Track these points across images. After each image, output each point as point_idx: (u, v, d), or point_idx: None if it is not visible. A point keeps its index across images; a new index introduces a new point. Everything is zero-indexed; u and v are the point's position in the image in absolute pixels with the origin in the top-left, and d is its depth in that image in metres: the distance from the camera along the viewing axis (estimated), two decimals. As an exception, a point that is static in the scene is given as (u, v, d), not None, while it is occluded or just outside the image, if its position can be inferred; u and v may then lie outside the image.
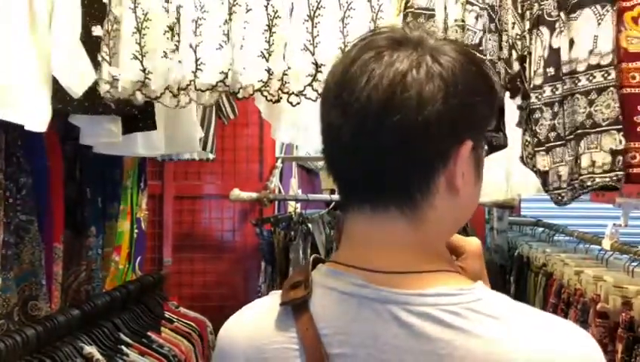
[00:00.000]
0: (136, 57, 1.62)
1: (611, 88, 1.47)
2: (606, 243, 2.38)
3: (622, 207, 2.59)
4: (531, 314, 0.77)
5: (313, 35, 1.59)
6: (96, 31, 1.67)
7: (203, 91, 1.65)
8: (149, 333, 2.44)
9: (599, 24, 1.49)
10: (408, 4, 1.58)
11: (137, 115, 1.88)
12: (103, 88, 1.65)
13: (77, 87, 1.56)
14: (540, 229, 3.53)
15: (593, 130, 1.47)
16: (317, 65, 1.59)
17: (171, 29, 1.63)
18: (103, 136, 1.86)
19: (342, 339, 0.77)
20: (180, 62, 1.61)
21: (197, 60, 1.60)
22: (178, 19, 1.62)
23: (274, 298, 0.84)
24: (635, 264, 2.16)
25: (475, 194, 0.84)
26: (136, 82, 1.64)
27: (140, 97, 1.66)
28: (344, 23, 1.60)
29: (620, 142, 1.45)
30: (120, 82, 1.63)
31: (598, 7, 1.50)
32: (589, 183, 1.48)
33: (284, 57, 1.60)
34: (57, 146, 2.12)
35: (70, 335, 2.01)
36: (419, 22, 1.54)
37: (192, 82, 1.61)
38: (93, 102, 1.70)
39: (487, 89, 0.81)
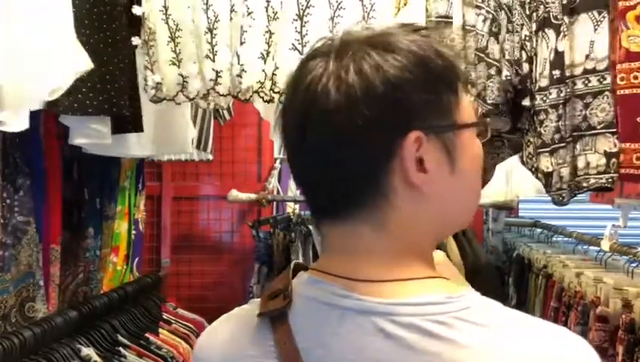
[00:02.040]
0: (173, 63, 1.76)
1: (607, 92, 1.51)
2: (605, 245, 2.38)
3: (621, 207, 2.59)
4: (523, 321, 0.74)
5: (302, 34, 1.60)
6: (135, 41, 1.81)
7: (222, 96, 1.74)
8: (147, 335, 2.43)
9: (596, 30, 1.53)
10: (428, 13, 1.60)
11: (127, 117, 1.87)
12: (150, 93, 1.78)
13: (54, 89, 1.55)
14: (539, 230, 3.53)
15: (588, 133, 1.52)
16: None
17: (196, 37, 1.75)
18: (91, 136, 1.85)
19: (321, 353, 0.73)
20: (199, 72, 1.74)
21: (215, 68, 1.71)
22: (210, 28, 1.74)
23: (253, 307, 0.80)
24: (634, 265, 2.16)
25: (457, 187, 0.77)
26: (177, 85, 1.77)
27: (182, 99, 1.79)
28: (334, 22, 1.60)
29: (615, 144, 1.50)
30: (164, 86, 1.77)
31: (595, 13, 1.53)
32: (584, 184, 1.53)
33: (272, 57, 1.62)
34: (55, 147, 2.12)
35: (68, 337, 2.00)
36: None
37: (212, 89, 1.73)
38: (81, 102, 1.69)
39: (423, 74, 0.74)
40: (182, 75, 1.75)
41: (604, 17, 1.53)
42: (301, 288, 0.77)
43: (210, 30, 1.69)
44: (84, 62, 1.60)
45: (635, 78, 1.46)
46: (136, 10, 1.79)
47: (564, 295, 2.35)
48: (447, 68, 0.76)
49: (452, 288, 0.75)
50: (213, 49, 1.69)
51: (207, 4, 1.70)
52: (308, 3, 1.61)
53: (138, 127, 1.97)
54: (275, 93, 1.66)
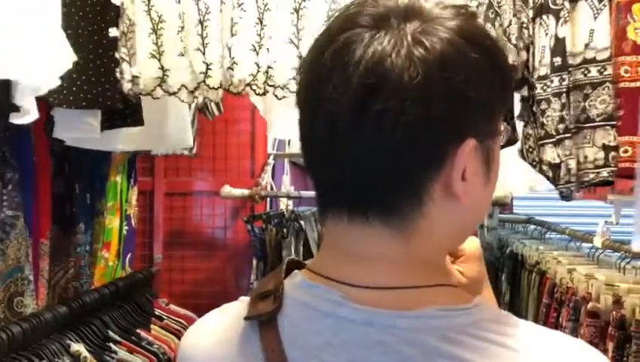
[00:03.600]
0: (154, 56, 1.73)
1: (607, 84, 1.45)
2: (597, 241, 2.38)
3: (613, 204, 2.58)
4: (540, 336, 0.67)
5: (298, 28, 1.60)
6: (113, 32, 1.76)
7: (213, 89, 1.71)
8: (138, 331, 2.43)
9: (595, 18, 1.48)
10: None
11: (124, 110, 1.86)
12: (126, 86, 1.74)
13: (41, 84, 1.54)
14: (532, 227, 3.53)
15: (587, 125, 1.47)
16: (302, 59, 1.59)
17: (183, 29, 1.72)
18: (80, 130, 1.83)
19: None
20: (189, 65, 1.71)
21: (205, 61, 1.69)
22: (195, 21, 1.71)
23: (241, 306, 0.72)
24: (626, 261, 2.16)
25: (486, 197, 0.71)
26: (156, 78, 1.74)
27: (160, 93, 1.75)
28: (329, 16, 1.60)
29: (614, 138, 1.44)
30: (141, 79, 1.73)
31: (595, 0, 1.48)
32: (585, 179, 1.48)
33: (268, 50, 1.62)
34: (44, 141, 2.10)
35: (57, 333, 1.99)
36: None
37: (203, 82, 1.71)
38: (75, 95, 1.68)
39: (493, 75, 0.67)
40: (162, 69, 1.72)
41: (604, 5, 1.47)
42: (293, 291, 0.69)
43: (201, 22, 1.68)
44: (66, 59, 1.56)
45: None
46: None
47: (557, 291, 2.35)
48: (506, 74, 0.71)
49: (462, 298, 0.68)
50: (203, 42, 1.68)
51: None
52: None
53: (137, 121, 1.95)
54: (270, 86, 1.65)
